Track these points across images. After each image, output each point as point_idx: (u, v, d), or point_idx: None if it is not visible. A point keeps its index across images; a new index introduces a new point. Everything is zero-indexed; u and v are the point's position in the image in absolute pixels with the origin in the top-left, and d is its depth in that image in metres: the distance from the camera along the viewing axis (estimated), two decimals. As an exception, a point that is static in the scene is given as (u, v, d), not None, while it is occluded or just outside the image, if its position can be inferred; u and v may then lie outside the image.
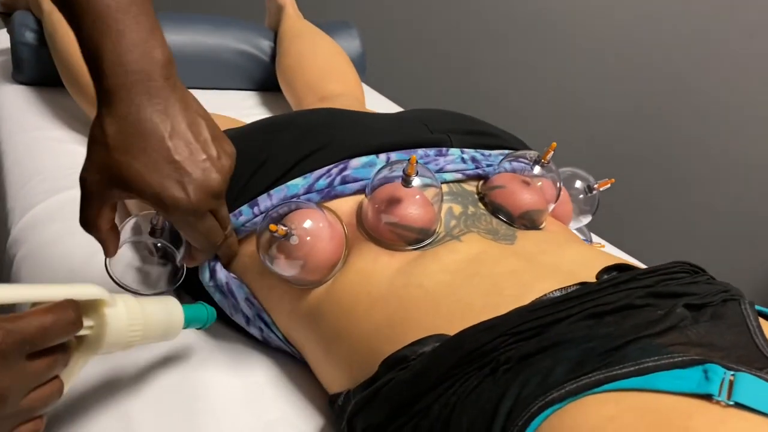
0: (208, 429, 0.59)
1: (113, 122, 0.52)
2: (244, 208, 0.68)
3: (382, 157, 0.70)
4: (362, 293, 0.61)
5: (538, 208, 0.70)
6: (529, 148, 0.82)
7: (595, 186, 0.78)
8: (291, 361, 0.70)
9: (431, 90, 2.00)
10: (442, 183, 0.68)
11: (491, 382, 0.49)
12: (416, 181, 0.62)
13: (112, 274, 0.66)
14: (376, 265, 0.62)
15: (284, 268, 0.63)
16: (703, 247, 1.94)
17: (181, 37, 1.33)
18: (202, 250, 0.64)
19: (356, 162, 0.69)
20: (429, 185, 0.63)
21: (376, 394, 0.54)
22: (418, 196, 0.63)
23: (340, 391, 0.61)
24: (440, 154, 0.72)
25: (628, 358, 0.45)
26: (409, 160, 0.61)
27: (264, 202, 0.68)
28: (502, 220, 0.69)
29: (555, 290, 0.54)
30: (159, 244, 0.68)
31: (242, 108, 1.34)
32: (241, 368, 0.68)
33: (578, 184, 0.79)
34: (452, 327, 0.54)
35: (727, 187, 1.92)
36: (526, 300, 0.54)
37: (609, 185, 0.78)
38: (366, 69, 1.49)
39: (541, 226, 0.71)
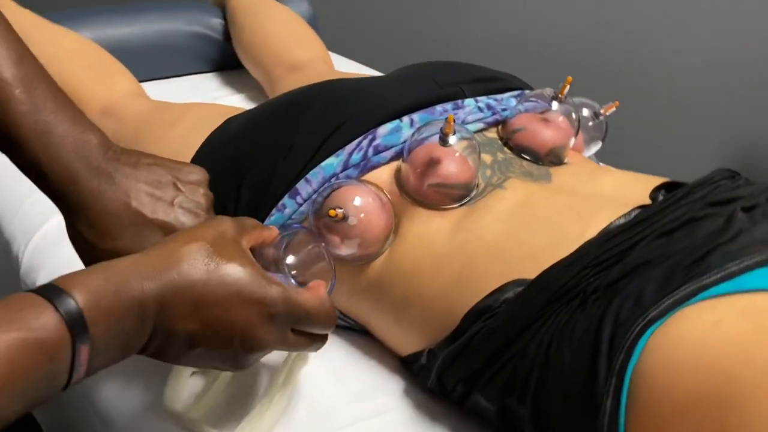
0: (305, 407, 0.61)
1: (80, 220, 0.51)
2: (286, 200, 0.68)
3: (406, 120, 0.71)
4: (424, 256, 0.62)
5: (562, 144, 0.72)
6: (531, 87, 0.83)
7: (602, 111, 0.80)
8: (352, 334, 0.71)
9: (389, 44, 1.98)
10: None
11: (583, 314, 0.51)
12: (452, 139, 0.63)
13: None
14: (430, 227, 0.64)
15: (342, 249, 0.64)
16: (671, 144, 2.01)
17: (127, 30, 1.27)
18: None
19: (383, 129, 0.70)
20: (465, 139, 0.64)
21: (467, 346, 0.56)
22: (457, 154, 0.64)
23: (416, 351, 0.63)
24: (457, 107, 0.73)
25: (712, 266, 0.49)
26: (446, 119, 0.62)
27: (304, 188, 0.67)
28: (530, 161, 0.71)
29: (619, 218, 0.56)
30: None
31: (206, 91, 1.30)
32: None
33: (585, 112, 0.81)
34: (525, 271, 0.56)
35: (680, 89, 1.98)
36: (589, 232, 0.56)
37: (614, 108, 0.80)
38: (319, 31, 1.46)
39: (565, 161, 0.73)
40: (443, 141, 0.63)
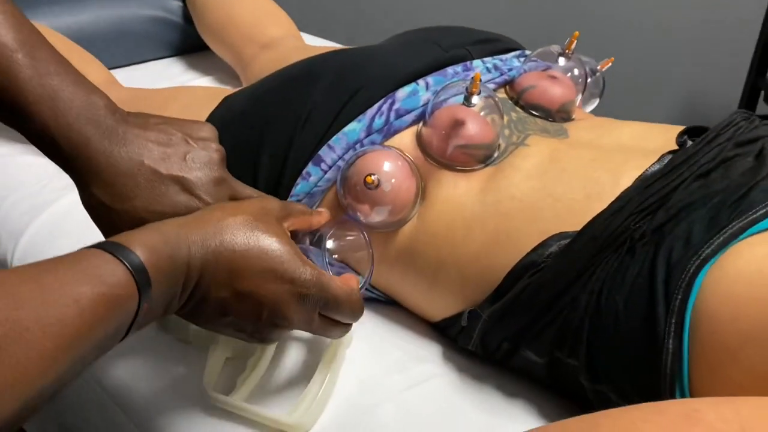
0: (347, 382, 0.61)
1: (95, 183, 0.51)
2: (310, 167, 0.66)
3: (422, 83, 0.70)
4: (456, 220, 0.62)
5: (571, 99, 0.73)
6: (523, 47, 0.84)
7: (598, 68, 0.82)
8: (381, 306, 0.71)
9: (354, 18, 1.95)
10: None
11: (633, 260, 0.52)
12: (476, 99, 0.63)
13: None
14: (458, 190, 0.63)
15: (372, 216, 0.63)
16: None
17: (82, 18, 1.21)
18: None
19: (401, 93, 0.68)
20: (487, 98, 0.64)
21: (514, 303, 0.57)
22: (482, 113, 0.64)
23: (453, 314, 0.63)
24: (467, 69, 0.73)
25: (756, 202, 0.50)
26: (472, 78, 0.61)
27: (328, 155, 0.66)
28: (542, 118, 0.71)
29: (652, 165, 0.57)
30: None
31: (172, 76, 1.25)
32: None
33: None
34: (564, 225, 0.57)
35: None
36: (624, 181, 0.57)
37: (610, 64, 0.82)
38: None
39: (573, 117, 0.74)
40: (468, 101, 0.63)
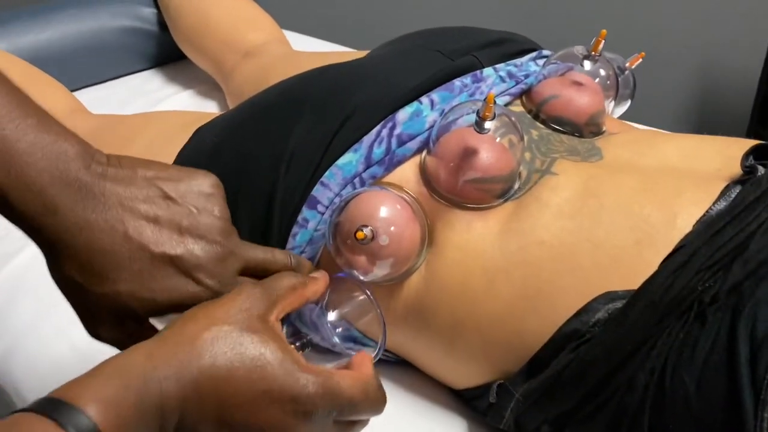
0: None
1: (66, 260, 0.40)
2: (305, 212, 0.55)
3: (425, 101, 0.58)
4: (473, 270, 0.51)
5: (600, 108, 0.61)
6: (541, 47, 0.72)
7: (626, 65, 0.70)
8: (391, 368, 0.60)
9: (346, 13, 1.83)
10: None
11: (703, 330, 0.42)
12: (490, 124, 0.52)
13: None
14: (472, 233, 0.53)
15: (371, 272, 0.52)
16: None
17: (46, 35, 1.10)
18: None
19: (402, 115, 0.57)
20: (502, 116, 0.53)
21: (556, 381, 0.46)
22: (498, 140, 0.53)
23: (478, 385, 0.53)
24: (477, 80, 0.61)
25: None
26: (485, 99, 0.50)
27: (323, 194, 0.55)
28: (568, 134, 0.60)
29: (717, 201, 0.46)
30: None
31: (149, 92, 1.14)
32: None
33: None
34: (610, 281, 0.46)
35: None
36: (682, 222, 0.46)
37: (640, 60, 0.70)
38: (268, 8, 1.30)
39: (604, 128, 0.62)
40: (479, 126, 0.51)
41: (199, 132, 0.65)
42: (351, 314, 0.51)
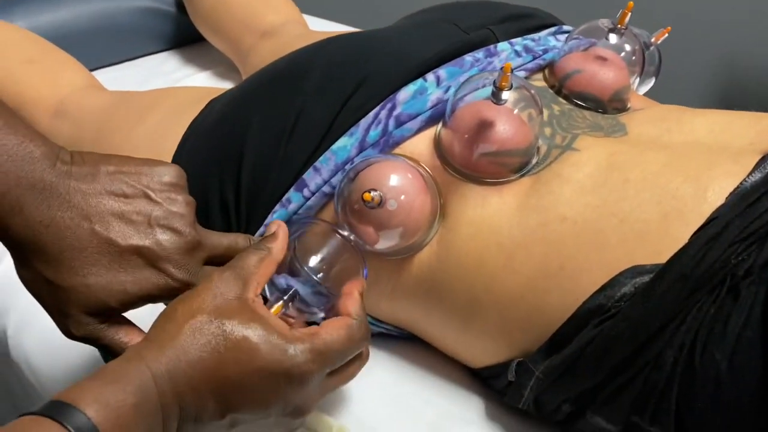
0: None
1: (34, 258, 0.41)
2: (292, 193, 0.54)
3: (431, 78, 0.57)
4: (489, 247, 0.50)
5: (626, 84, 0.59)
6: (562, 22, 0.70)
7: (652, 40, 0.67)
8: (403, 345, 0.59)
9: None
10: None
11: (736, 305, 0.40)
12: (507, 94, 0.50)
13: None
14: (488, 209, 0.51)
15: (379, 242, 0.50)
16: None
17: (62, 14, 1.09)
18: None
19: (404, 95, 0.56)
20: (521, 88, 0.51)
21: (579, 358, 0.44)
22: (515, 111, 0.51)
23: (496, 363, 0.51)
24: (490, 54, 0.59)
25: None
26: (501, 69, 0.48)
27: (312, 179, 0.54)
28: (591, 110, 0.58)
29: (752, 173, 0.44)
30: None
31: (167, 73, 1.14)
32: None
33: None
34: (636, 255, 0.44)
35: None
36: (713, 195, 0.44)
37: (666, 35, 0.67)
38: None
39: (629, 105, 0.60)
40: (496, 97, 0.50)
41: (210, 103, 0.64)
42: (328, 256, 0.49)
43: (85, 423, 0.34)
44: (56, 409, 0.34)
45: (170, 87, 0.85)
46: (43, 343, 0.64)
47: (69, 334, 0.43)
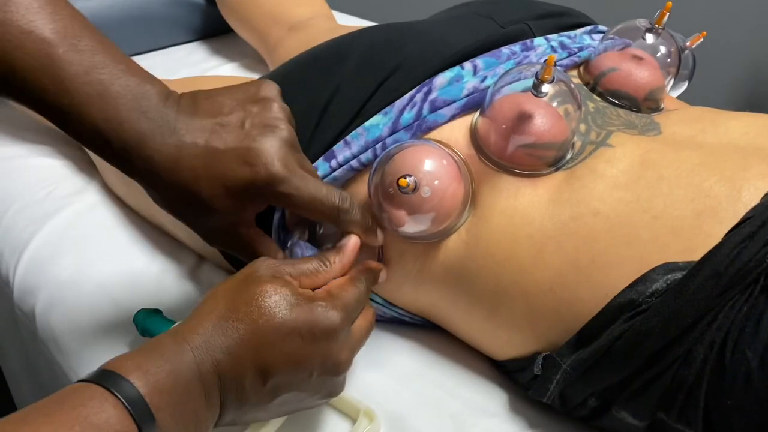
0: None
1: (159, 183, 0.46)
2: (320, 162, 0.55)
3: (468, 66, 0.57)
4: (520, 238, 0.50)
5: (660, 85, 0.59)
6: (596, 23, 0.70)
7: (687, 44, 0.68)
8: (423, 333, 0.59)
9: None
10: None
11: None
12: (547, 87, 0.50)
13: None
14: (521, 200, 0.51)
15: (409, 225, 0.51)
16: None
17: (95, 2, 1.11)
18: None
19: (441, 80, 0.56)
20: (561, 82, 0.51)
21: (608, 352, 0.44)
22: (554, 104, 0.51)
23: (521, 356, 0.51)
24: (527, 48, 0.60)
25: None
26: (545, 61, 0.48)
27: (342, 151, 0.55)
28: (626, 108, 0.58)
29: None
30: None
31: (194, 63, 1.15)
32: (379, 361, 0.56)
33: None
34: (669, 251, 0.44)
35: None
36: (747, 195, 0.44)
37: (701, 39, 0.67)
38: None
39: (662, 106, 0.60)
40: (537, 89, 0.50)
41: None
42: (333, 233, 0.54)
43: (131, 390, 0.37)
44: (104, 377, 0.37)
45: (198, 76, 0.86)
46: (71, 321, 0.65)
47: (211, 240, 0.50)
